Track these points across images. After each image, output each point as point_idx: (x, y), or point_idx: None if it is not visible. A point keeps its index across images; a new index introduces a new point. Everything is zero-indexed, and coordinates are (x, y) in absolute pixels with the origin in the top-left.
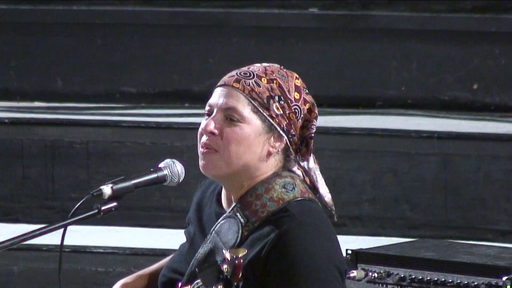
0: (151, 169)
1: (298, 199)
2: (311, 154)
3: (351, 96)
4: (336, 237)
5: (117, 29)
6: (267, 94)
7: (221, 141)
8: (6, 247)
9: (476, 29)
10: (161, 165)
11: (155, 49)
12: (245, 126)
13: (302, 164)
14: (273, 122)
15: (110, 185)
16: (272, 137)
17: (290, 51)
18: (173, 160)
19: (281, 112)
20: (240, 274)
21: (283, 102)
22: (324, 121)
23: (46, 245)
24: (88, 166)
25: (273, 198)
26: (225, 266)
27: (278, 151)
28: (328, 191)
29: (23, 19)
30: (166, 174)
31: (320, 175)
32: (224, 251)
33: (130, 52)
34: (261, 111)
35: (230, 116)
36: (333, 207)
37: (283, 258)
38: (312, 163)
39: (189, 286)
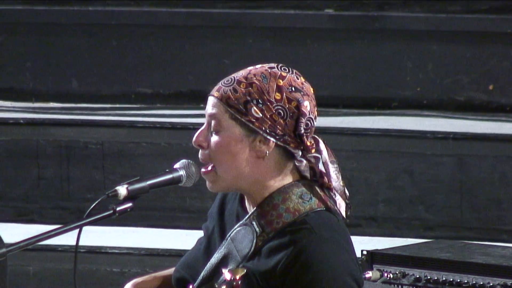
0: (167, 170)
1: (316, 210)
2: (325, 148)
3: (366, 97)
4: (353, 248)
5: (132, 30)
6: (244, 99)
7: (209, 152)
8: (21, 247)
9: (491, 30)
10: (176, 165)
11: (170, 49)
12: (225, 134)
13: (318, 161)
14: (253, 127)
15: (126, 186)
16: (256, 141)
17: (305, 52)
18: (189, 160)
19: (261, 115)
20: None
21: (261, 105)
22: (339, 121)
23: (61, 246)
24: (103, 166)
25: (289, 209)
26: (223, 287)
27: (266, 153)
28: (342, 184)
29: (39, 19)
30: (182, 175)
31: (337, 168)
32: (223, 271)
33: (145, 52)
34: (239, 117)
35: (212, 126)
36: (347, 201)
37: (303, 273)
38: (325, 157)
39: None
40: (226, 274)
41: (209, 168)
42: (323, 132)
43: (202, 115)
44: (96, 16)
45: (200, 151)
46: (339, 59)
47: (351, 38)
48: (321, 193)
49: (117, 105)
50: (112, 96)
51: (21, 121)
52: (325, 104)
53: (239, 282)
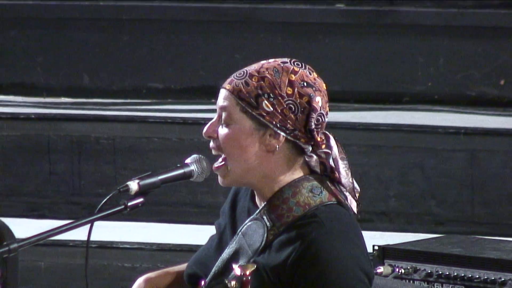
0: (178, 165)
1: (326, 203)
2: (336, 144)
3: (377, 92)
4: (364, 242)
5: (143, 24)
6: (256, 92)
7: (219, 144)
8: (32, 242)
9: (503, 25)
10: (187, 160)
11: (182, 44)
12: (235, 127)
13: (328, 156)
14: (263, 120)
15: (137, 181)
16: (266, 135)
17: (316, 47)
18: (200, 155)
19: (272, 109)
20: None
21: (273, 99)
22: (351, 116)
23: (73, 241)
24: (114, 161)
25: (299, 202)
26: (233, 283)
27: (276, 147)
28: (351, 181)
29: (50, 14)
30: (193, 170)
31: (347, 164)
32: (234, 266)
33: (156, 47)
34: (250, 110)
35: (223, 118)
36: (356, 197)
37: (313, 267)
38: (335, 153)
39: None
40: (237, 270)
41: (221, 163)
42: (334, 127)
43: (214, 110)
44: (108, 10)
45: (211, 141)
46: (350, 54)
47: (362, 33)
48: (332, 187)
49: (129, 100)
50: (123, 91)
51: (32, 116)
52: (336, 99)
53: (249, 278)
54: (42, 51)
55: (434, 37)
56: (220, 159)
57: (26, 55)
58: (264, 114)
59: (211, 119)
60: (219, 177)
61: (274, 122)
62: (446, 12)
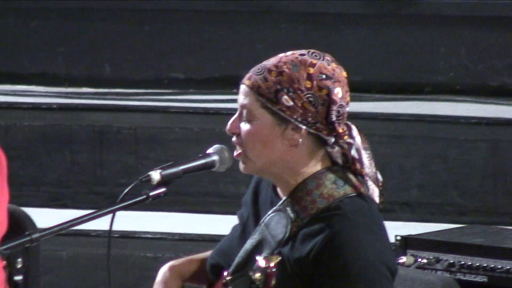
0: (200, 155)
1: (350, 195)
2: (358, 134)
3: (399, 82)
4: (387, 235)
5: (165, 15)
6: (275, 87)
7: (242, 139)
8: (55, 232)
9: None
10: (209, 150)
11: (203, 35)
12: (257, 123)
13: (351, 147)
14: (284, 115)
15: (159, 171)
16: (288, 129)
17: (338, 37)
18: (222, 145)
19: (292, 103)
20: (273, 282)
21: (292, 93)
22: (372, 107)
23: (95, 231)
24: (136, 151)
25: (323, 194)
26: (257, 275)
27: (299, 141)
28: (375, 171)
29: (72, 4)
30: (215, 160)
31: (370, 154)
32: (257, 258)
33: (178, 38)
34: (270, 106)
35: (244, 115)
36: (380, 188)
37: (335, 259)
38: (358, 143)
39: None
40: (261, 261)
41: (239, 151)
42: (356, 117)
43: (235, 100)
44: (129, 1)
45: (233, 137)
46: (372, 44)
47: (384, 23)
48: (354, 179)
49: (150, 90)
50: (145, 81)
51: (54, 106)
52: (358, 89)
53: (274, 270)
54: (64, 41)
55: (455, 27)
56: (238, 148)
57: (48, 45)
58: (285, 108)
59: (233, 109)
60: (240, 164)
61: (295, 116)
62: (468, 3)
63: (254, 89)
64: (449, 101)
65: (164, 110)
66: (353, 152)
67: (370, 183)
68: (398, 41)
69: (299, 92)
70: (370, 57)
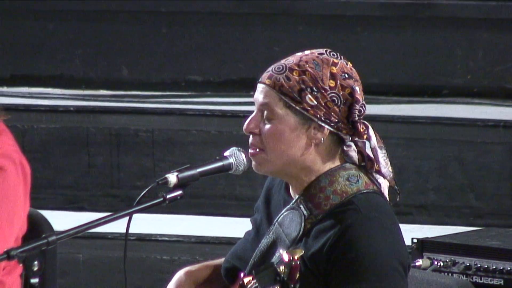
0: (217, 157)
1: (363, 191)
2: (374, 134)
3: (416, 85)
4: (400, 231)
5: (182, 17)
6: (298, 87)
7: (262, 139)
8: (71, 235)
9: None
10: (226, 153)
11: (220, 37)
12: (279, 123)
13: (364, 145)
14: (308, 114)
15: (176, 173)
16: (311, 129)
17: (355, 40)
18: (239, 148)
19: (316, 103)
20: (297, 275)
21: (316, 93)
22: (390, 109)
23: (111, 233)
24: (153, 154)
25: (336, 191)
26: (281, 268)
27: (321, 140)
28: (391, 170)
29: (89, 7)
30: (232, 163)
31: (385, 154)
32: (281, 251)
33: (195, 40)
34: (293, 105)
35: (265, 114)
36: (396, 187)
37: (347, 252)
38: (374, 142)
39: (251, 277)
40: (284, 256)
41: (257, 150)
42: (373, 119)
43: (253, 103)
44: (146, 3)
45: (251, 137)
46: (389, 47)
47: (401, 26)
48: (367, 177)
49: (167, 93)
50: (162, 84)
51: (71, 109)
52: (375, 92)
53: (298, 262)
54: (81, 43)
55: (473, 30)
56: (255, 147)
57: (65, 48)
58: (308, 108)
59: (250, 111)
60: (254, 164)
61: (318, 116)
62: (485, 5)
63: (276, 88)
64: (466, 104)
65: (181, 112)
66: (369, 151)
67: (382, 181)
68: (416, 44)
69: (323, 91)
70: (387, 59)
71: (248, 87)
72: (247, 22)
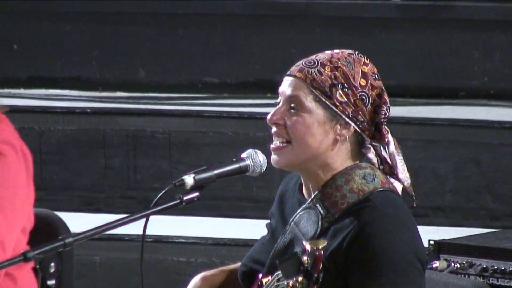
0: (234, 159)
1: (379, 189)
2: (392, 139)
3: (433, 86)
4: (417, 228)
5: (199, 18)
6: (330, 82)
7: (287, 131)
8: (88, 237)
9: None
10: (243, 155)
11: (237, 39)
12: (307, 116)
13: (380, 149)
14: (337, 110)
15: (193, 175)
16: (337, 125)
17: (372, 42)
18: (255, 150)
19: (345, 99)
20: (321, 266)
21: (347, 90)
22: (406, 111)
23: (128, 235)
24: (170, 156)
25: (353, 189)
26: (305, 258)
27: (346, 138)
28: (408, 176)
29: (106, 9)
30: (249, 164)
31: (402, 160)
32: (304, 242)
33: (212, 42)
34: (323, 99)
35: (292, 106)
36: (413, 193)
37: (365, 249)
38: (392, 148)
39: (269, 277)
40: (307, 246)
41: (284, 145)
42: (390, 121)
43: (269, 105)
44: (163, 5)
45: (274, 128)
46: (407, 49)
47: (419, 27)
48: (382, 176)
49: (184, 95)
50: (179, 86)
51: (88, 110)
52: (392, 94)
53: (321, 253)
54: (98, 45)
55: (490, 32)
56: (280, 140)
57: (82, 50)
58: (338, 104)
59: (267, 113)
60: (274, 156)
61: (346, 113)
62: (502, 7)
63: (308, 81)
64: (483, 106)
65: (198, 114)
66: (387, 155)
67: (396, 184)
68: (433, 46)
69: (353, 89)
70: (404, 61)
71: (265, 89)
72: (264, 24)
